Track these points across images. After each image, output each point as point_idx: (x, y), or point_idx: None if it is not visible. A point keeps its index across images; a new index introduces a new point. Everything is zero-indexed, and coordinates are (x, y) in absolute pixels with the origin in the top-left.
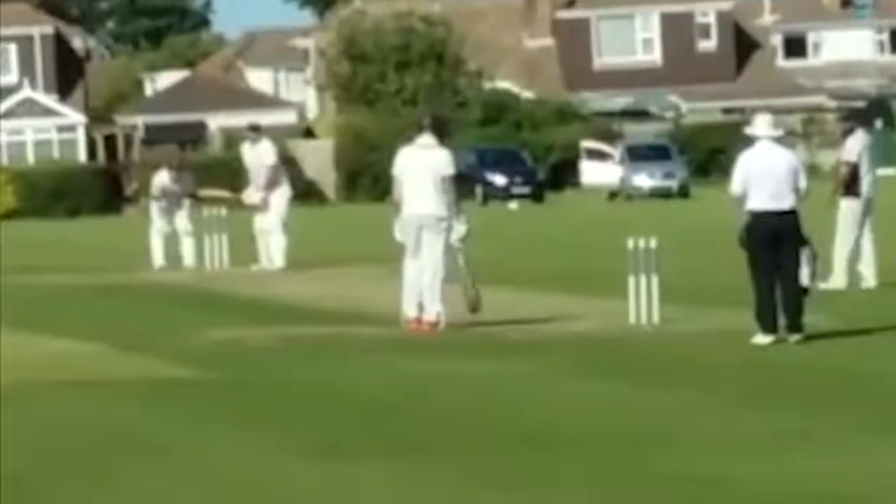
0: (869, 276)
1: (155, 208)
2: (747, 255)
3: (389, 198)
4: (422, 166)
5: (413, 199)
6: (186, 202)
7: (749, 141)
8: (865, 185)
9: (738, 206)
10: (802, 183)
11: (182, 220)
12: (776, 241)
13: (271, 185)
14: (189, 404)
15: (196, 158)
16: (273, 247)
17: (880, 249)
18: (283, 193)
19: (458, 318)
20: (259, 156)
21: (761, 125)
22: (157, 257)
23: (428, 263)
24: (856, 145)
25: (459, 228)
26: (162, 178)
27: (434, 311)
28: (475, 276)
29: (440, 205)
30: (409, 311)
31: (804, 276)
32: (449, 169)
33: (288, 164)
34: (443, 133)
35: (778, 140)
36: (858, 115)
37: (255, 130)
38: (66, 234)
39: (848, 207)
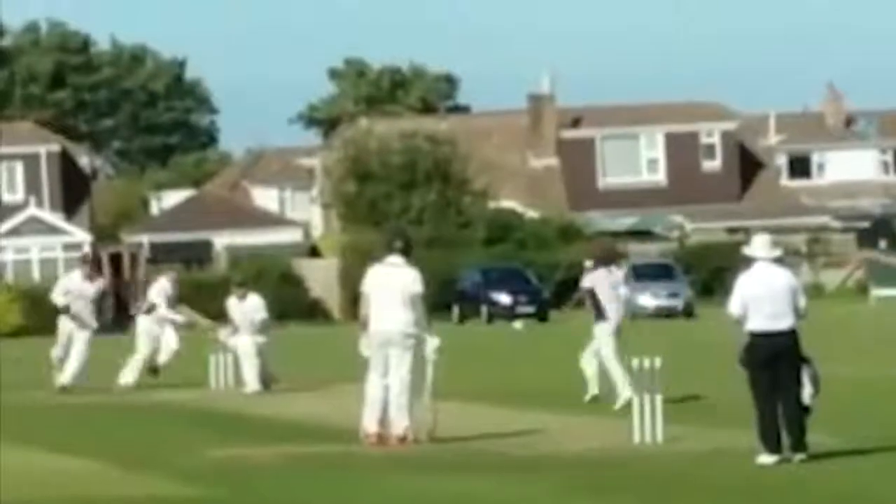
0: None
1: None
2: (748, 376)
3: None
4: (391, 284)
5: (381, 316)
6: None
7: (750, 261)
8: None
9: (738, 327)
10: (802, 302)
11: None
12: (776, 362)
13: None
14: None
15: (202, 277)
16: (247, 369)
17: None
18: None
19: (457, 433)
20: (247, 311)
21: (759, 246)
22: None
23: (395, 379)
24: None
25: (433, 341)
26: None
27: (402, 425)
28: (437, 395)
29: (408, 322)
30: (370, 426)
31: (806, 396)
32: (417, 286)
33: (293, 284)
34: (410, 253)
35: (778, 260)
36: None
37: (242, 286)
38: None
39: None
